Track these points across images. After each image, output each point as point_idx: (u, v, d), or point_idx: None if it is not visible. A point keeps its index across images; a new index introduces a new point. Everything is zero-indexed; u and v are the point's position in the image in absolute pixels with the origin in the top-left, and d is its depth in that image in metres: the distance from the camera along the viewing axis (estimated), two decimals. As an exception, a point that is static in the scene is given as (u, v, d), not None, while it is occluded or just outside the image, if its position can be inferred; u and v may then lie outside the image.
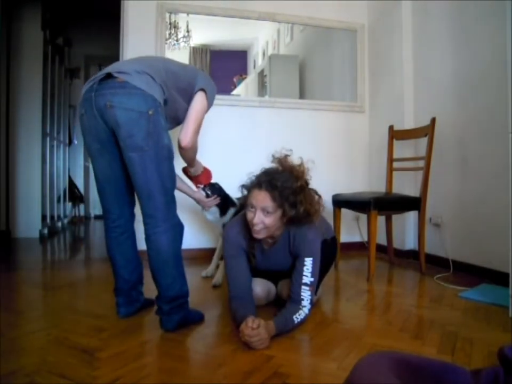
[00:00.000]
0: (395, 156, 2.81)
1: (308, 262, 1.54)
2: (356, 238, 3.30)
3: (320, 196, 1.60)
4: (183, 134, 1.61)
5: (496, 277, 2.17)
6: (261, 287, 1.75)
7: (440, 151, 2.58)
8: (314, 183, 1.59)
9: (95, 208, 6.12)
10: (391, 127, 2.83)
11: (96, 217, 6.12)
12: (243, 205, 1.60)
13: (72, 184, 5.69)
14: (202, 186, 2.14)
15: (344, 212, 2.66)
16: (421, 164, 2.54)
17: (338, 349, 1.36)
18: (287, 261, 1.66)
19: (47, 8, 4.27)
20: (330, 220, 2.36)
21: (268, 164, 1.59)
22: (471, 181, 2.45)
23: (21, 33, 3.95)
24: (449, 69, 2.63)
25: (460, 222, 2.54)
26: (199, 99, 1.64)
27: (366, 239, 2.88)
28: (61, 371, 1.17)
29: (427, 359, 0.71)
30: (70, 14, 5.45)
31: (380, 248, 2.70)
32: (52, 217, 4.46)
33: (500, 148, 2.05)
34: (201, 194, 2.15)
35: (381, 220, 2.61)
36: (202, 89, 1.64)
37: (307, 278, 1.53)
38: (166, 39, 3.00)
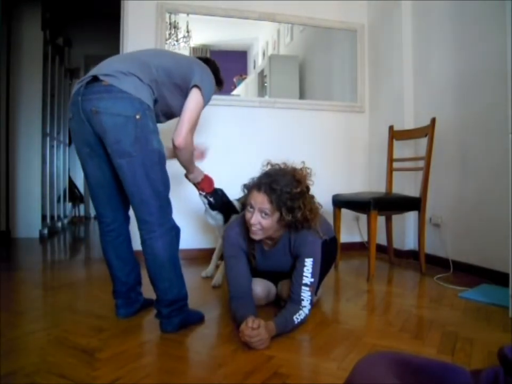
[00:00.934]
0: (395, 156, 2.81)
1: (308, 262, 1.54)
2: (356, 238, 3.30)
3: (318, 205, 1.61)
4: (177, 134, 1.55)
5: (496, 277, 2.17)
6: (261, 287, 1.75)
7: (440, 151, 2.58)
8: (314, 183, 1.59)
9: (95, 208, 6.12)
10: (391, 127, 2.83)
11: (96, 217, 6.11)
12: (244, 204, 1.60)
13: (72, 184, 5.69)
14: (204, 193, 2.08)
15: (344, 212, 2.66)
16: (421, 164, 2.54)
17: (338, 349, 1.36)
18: (287, 262, 1.66)
19: (47, 8, 4.27)
20: (330, 220, 2.36)
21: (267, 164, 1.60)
22: (471, 181, 2.45)
23: (21, 33, 3.95)
24: (449, 69, 2.63)
25: (459, 222, 2.54)
26: (193, 97, 1.58)
27: (366, 239, 2.88)
28: (61, 371, 1.17)
29: (427, 359, 0.71)
30: (70, 14, 5.45)
31: (380, 248, 2.70)
32: (52, 217, 4.46)
33: (500, 147, 2.05)
34: (203, 202, 2.09)
35: (381, 220, 2.61)
36: (198, 86, 1.57)
37: (307, 278, 1.53)
38: (166, 39, 3.00)
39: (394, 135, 2.82)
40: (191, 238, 2.85)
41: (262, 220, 1.48)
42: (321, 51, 3.64)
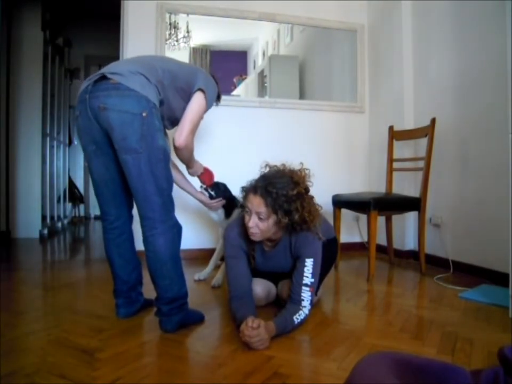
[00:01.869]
0: (395, 156, 2.81)
1: (309, 262, 1.54)
2: (356, 238, 3.30)
3: (317, 206, 1.60)
4: (178, 134, 1.58)
5: (496, 277, 2.17)
6: (261, 287, 1.75)
7: (440, 151, 2.58)
8: (314, 184, 1.59)
9: (95, 208, 6.11)
10: (391, 128, 2.83)
11: (96, 217, 6.11)
12: (242, 206, 1.60)
13: (72, 184, 5.69)
14: (205, 187, 2.07)
15: (344, 212, 2.66)
16: (421, 164, 2.54)
17: (338, 349, 1.36)
18: (288, 263, 1.66)
19: (47, 9, 4.27)
20: (331, 220, 2.36)
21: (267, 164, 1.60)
22: (471, 181, 2.45)
23: (21, 34, 3.95)
24: (449, 69, 2.63)
25: (460, 222, 2.54)
26: (196, 99, 1.61)
27: (366, 239, 2.88)
28: (61, 371, 1.17)
29: (427, 359, 0.70)
30: (70, 14, 5.45)
31: (380, 248, 2.70)
32: (52, 217, 4.45)
33: (500, 147, 2.05)
34: (205, 195, 2.09)
35: (381, 220, 2.61)
36: (202, 90, 1.61)
37: (308, 278, 1.53)
38: (166, 40, 3.00)
39: (394, 135, 2.82)
40: (191, 238, 2.85)
41: (259, 222, 1.49)
42: (321, 51, 3.64)
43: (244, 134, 3.09)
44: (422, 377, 0.64)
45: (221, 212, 2.16)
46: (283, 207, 1.45)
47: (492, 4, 2.26)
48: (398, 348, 1.37)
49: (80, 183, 5.99)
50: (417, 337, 1.49)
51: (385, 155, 2.84)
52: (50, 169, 4.40)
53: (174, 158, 1.72)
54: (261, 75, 3.58)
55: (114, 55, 2.94)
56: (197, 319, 1.61)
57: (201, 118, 1.66)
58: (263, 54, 3.72)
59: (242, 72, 3.66)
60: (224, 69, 3.51)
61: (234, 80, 3.57)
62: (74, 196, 5.70)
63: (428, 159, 2.46)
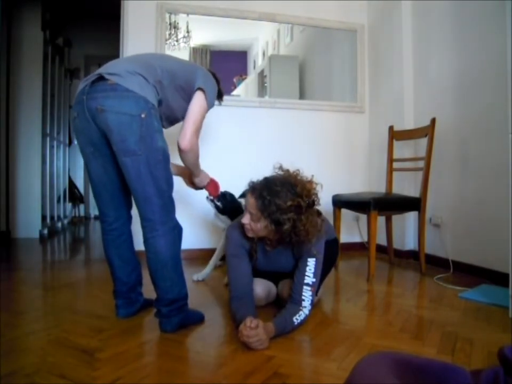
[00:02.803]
0: (395, 156, 2.81)
1: (311, 262, 1.54)
2: (356, 238, 3.30)
3: (323, 220, 1.60)
4: (182, 136, 1.56)
5: (496, 277, 2.17)
6: (261, 287, 1.75)
7: (440, 151, 2.58)
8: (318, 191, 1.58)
9: (95, 208, 6.00)
10: (391, 128, 2.83)
11: (96, 217, 6.10)
12: None
13: (72, 185, 5.68)
14: (211, 198, 2.08)
15: (344, 212, 2.66)
16: (421, 164, 2.54)
17: (338, 349, 1.36)
18: (289, 263, 1.66)
19: (47, 9, 4.27)
20: (331, 220, 2.36)
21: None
22: (471, 181, 2.45)
23: (21, 34, 3.95)
24: (449, 69, 2.63)
25: (460, 222, 2.54)
26: (197, 99, 1.59)
27: (366, 239, 2.88)
28: (61, 371, 1.17)
29: (427, 359, 0.70)
30: (70, 14, 5.45)
31: (380, 248, 2.70)
32: (52, 217, 4.45)
33: (500, 147, 2.05)
34: (210, 204, 2.13)
35: (381, 220, 2.61)
36: (202, 89, 1.59)
37: (309, 278, 1.53)
38: (166, 40, 3.00)
39: (394, 135, 2.82)
40: (192, 238, 2.85)
41: (251, 222, 1.51)
42: (321, 51, 3.64)
43: (243, 134, 3.09)
44: (422, 377, 0.64)
45: (228, 222, 2.15)
46: (273, 215, 1.45)
47: (492, 4, 2.26)
48: (398, 348, 1.37)
49: (80, 183, 5.99)
50: (417, 337, 1.48)
51: (385, 155, 2.84)
52: (50, 169, 4.40)
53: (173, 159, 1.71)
54: (261, 75, 3.58)
55: (114, 55, 2.92)
56: (197, 319, 1.61)
57: (203, 118, 1.64)
58: (263, 54, 3.72)
59: (242, 72, 3.66)
60: (224, 69, 3.51)
61: (234, 80, 3.57)
62: (74, 196, 5.70)
63: (427, 159, 2.46)
